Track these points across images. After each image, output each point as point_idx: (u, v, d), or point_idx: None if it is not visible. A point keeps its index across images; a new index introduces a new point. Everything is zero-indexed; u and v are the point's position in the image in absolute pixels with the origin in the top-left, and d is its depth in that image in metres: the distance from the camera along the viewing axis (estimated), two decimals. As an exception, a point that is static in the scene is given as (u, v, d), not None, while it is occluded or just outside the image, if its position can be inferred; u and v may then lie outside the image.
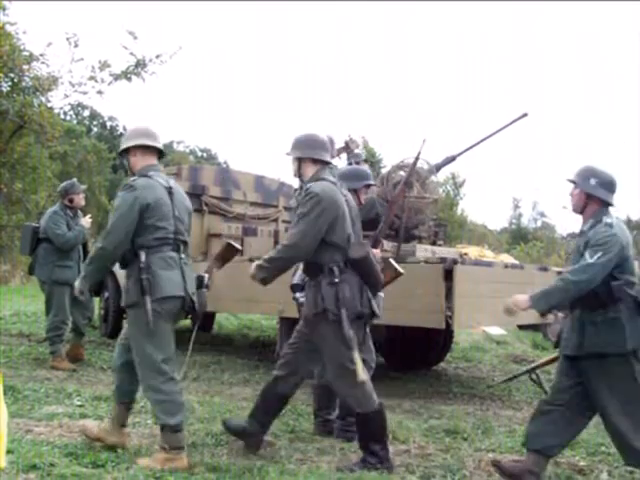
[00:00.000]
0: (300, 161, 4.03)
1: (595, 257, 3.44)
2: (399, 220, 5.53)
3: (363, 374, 3.74)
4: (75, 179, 7.44)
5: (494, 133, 6.55)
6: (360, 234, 4.08)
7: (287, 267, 4.00)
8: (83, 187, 7.22)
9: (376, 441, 3.81)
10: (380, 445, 3.82)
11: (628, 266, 3.59)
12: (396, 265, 4.31)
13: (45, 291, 6.96)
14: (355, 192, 4.70)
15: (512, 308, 3.63)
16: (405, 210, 5.36)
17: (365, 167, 7.77)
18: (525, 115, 6.29)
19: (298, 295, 4.62)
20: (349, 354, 3.71)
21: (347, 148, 7.28)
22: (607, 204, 3.69)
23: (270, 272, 3.92)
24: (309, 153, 4.00)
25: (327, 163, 4.04)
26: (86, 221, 7.09)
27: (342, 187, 4.04)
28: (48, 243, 6.85)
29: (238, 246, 4.56)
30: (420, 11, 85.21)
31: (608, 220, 3.58)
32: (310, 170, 4.00)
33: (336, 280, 3.75)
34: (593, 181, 3.67)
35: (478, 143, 6.62)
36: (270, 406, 4.08)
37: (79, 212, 7.19)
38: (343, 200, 3.90)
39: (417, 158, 5.28)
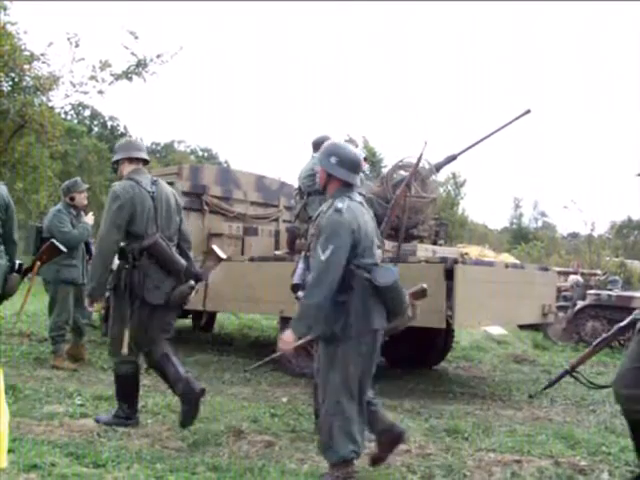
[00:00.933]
0: (119, 164, 4.57)
1: (327, 253, 3.37)
2: (398, 220, 5.51)
3: (125, 348, 4.29)
4: (78, 178, 7.42)
5: (496, 131, 6.47)
6: (171, 225, 4.49)
7: (107, 261, 4.36)
8: (85, 186, 7.18)
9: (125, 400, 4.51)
10: (127, 405, 4.51)
11: (362, 249, 3.51)
12: (218, 251, 4.61)
13: (49, 290, 6.95)
14: None
15: (283, 347, 3.60)
16: (405, 210, 5.34)
17: (365, 167, 7.77)
18: (528, 112, 6.20)
19: (300, 294, 4.64)
20: (119, 327, 4.36)
21: None
22: (348, 184, 3.62)
23: (97, 275, 4.35)
24: (123, 154, 4.54)
25: (145, 161, 4.60)
26: (89, 218, 7.08)
27: (158, 184, 4.50)
28: None
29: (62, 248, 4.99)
30: (420, 10, 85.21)
31: (339, 205, 3.48)
32: (126, 170, 4.48)
33: (127, 266, 4.35)
34: (334, 159, 3.61)
35: (480, 141, 6.56)
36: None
37: (81, 212, 7.18)
38: (145, 196, 4.35)
39: (419, 160, 5.28)
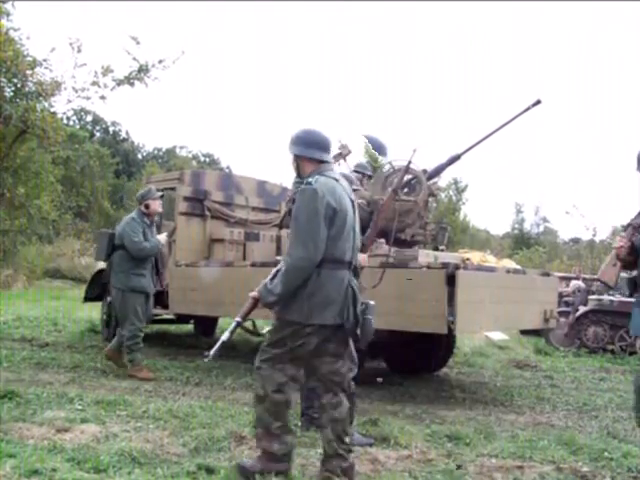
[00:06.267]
0: None
1: None
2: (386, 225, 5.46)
3: None
4: (152, 186, 7.45)
5: (504, 125, 6.15)
6: None
7: None
8: (159, 193, 7.26)
9: None
10: None
11: None
12: None
13: (117, 299, 7.01)
14: None
15: None
16: (394, 216, 5.30)
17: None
18: (539, 102, 5.95)
19: None
20: None
21: (341, 155, 7.28)
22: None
23: None
24: None
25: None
26: (162, 238, 7.22)
27: None
28: (123, 250, 6.91)
29: None
30: (421, 12, 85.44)
31: None
32: None
33: None
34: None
35: (485, 138, 6.32)
36: None
37: (154, 222, 7.29)
38: None
39: (407, 167, 5.24)
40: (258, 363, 3.68)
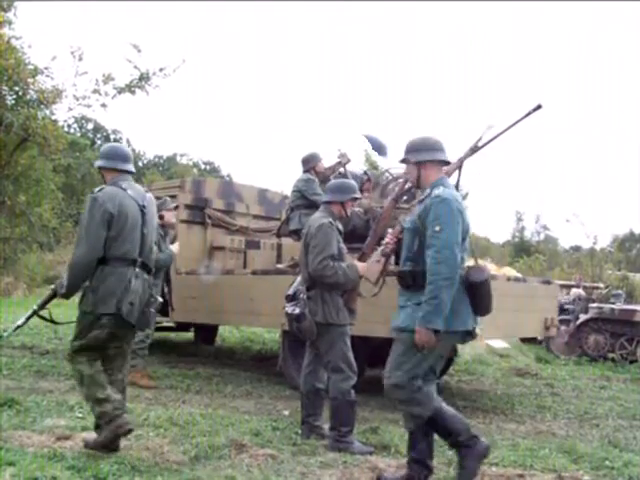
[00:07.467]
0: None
1: None
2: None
3: None
4: (167, 197, 7.45)
5: (503, 132, 6.13)
6: None
7: None
8: (173, 205, 7.24)
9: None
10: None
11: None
12: None
13: None
14: (342, 205, 4.90)
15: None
16: (385, 221, 5.31)
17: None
18: (539, 107, 5.92)
19: (287, 306, 4.68)
20: None
21: (340, 163, 7.29)
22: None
23: None
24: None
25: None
26: (175, 248, 7.21)
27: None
28: None
29: None
30: (421, 12, 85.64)
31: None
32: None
33: None
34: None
35: (484, 145, 6.29)
36: None
37: (169, 233, 7.27)
38: None
39: (406, 179, 5.24)
40: (69, 357, 4.18)
